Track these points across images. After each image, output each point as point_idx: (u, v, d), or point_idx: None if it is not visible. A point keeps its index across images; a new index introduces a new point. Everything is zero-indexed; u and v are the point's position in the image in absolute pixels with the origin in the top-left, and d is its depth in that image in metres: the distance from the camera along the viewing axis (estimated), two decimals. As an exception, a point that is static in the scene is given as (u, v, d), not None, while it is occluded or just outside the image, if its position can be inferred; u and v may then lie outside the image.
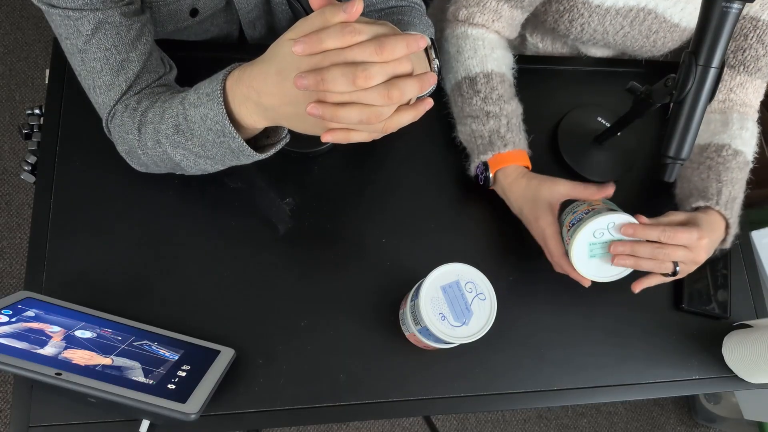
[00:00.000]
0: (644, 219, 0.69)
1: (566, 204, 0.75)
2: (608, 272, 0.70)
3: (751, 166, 0.83)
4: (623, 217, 0.68)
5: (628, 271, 0.70)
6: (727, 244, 0.77)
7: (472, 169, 0.80)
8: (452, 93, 0.83)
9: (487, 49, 0.81)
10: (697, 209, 0.77)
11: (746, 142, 0.82)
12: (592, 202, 0.72)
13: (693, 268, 0.72)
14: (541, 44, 0.96)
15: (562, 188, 0.74)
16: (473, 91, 0.79)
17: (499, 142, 0.77)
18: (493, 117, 0.78)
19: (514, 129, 0.78)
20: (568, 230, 0.70)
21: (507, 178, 0.77)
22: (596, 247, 0.70)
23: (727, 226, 0.76)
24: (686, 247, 0.68)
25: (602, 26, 0.84)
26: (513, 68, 0.84)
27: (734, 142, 0.81)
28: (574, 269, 0.70)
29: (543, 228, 0.72)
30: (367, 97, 0.47)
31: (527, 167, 0.78)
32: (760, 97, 0.87)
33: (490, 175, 0.77)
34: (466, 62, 0.81)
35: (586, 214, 0.69)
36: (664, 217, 0.72)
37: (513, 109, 0.80)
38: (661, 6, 0.82)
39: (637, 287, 0.73)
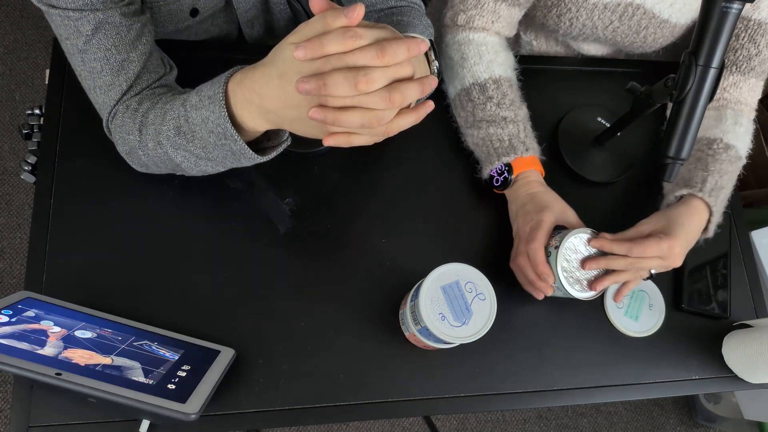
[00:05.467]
0: (608, 236, 0.70)
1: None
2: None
3: (744, 161, 0.83)
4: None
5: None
6: (709, 233, 0.77)
7: (488, 171, 0.79)
8: (459, 98, 0.82)
9: (491, 54, 0.81)
10: (681, 198, 0.78)
11: (739, 137, 0.82)
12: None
13: (667, 270, 0.73)
14: (535, 42, 0.96)
15: (571, 215, 0.75)
16: (485, 97, 0.79)
17: (521, 146, 0.77)
18: (510, 122, 0.78)
19: (530, 135, 0.79)
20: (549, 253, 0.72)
21: (525, 179, 0.77)
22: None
23: (711, 214, 0.76)
24: (659, 257, 0.69)
25: (591, 21, 0.85)
26: (516, 69, 0.85)
27: (726, 136, 0.81)
28: (545, 261, 0.70)
29: (542, 219, 0.72)
30: (369, 101, 0.47)
31: (542, 174, 0.79)
32: (757, 95, 0.87)
33: (512, 177, 0.77)
34: (473, 68, 0.81)
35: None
36: (632, 229, 0.73)
37: (525, 114, 0.81)
38: (649, 1, 0.82)
39: (618, 297, 0.74)
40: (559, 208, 0.74)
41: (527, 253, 0.72)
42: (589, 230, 0.71)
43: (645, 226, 0.73)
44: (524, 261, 0.73)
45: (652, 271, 0.72)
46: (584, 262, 0.70)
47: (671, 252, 0.69)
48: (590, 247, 0.71)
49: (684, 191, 0.77)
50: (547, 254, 0.71)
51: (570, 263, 0.70)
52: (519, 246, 0.75)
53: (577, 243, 0.71)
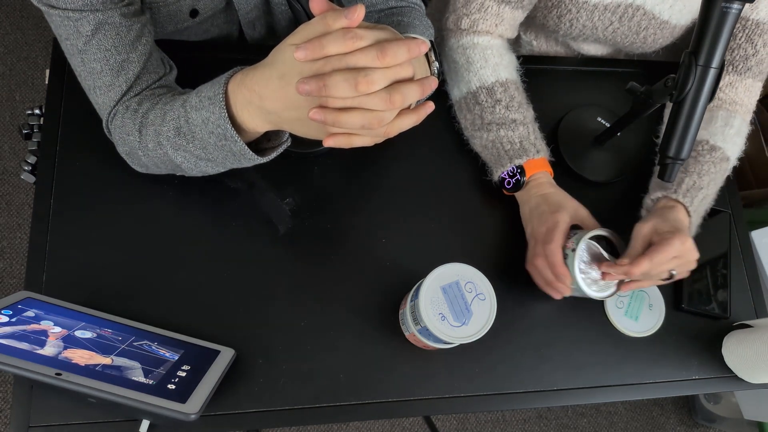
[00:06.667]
0: (625, 261, 0.68)
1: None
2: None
3: (733, 162, 0.82)
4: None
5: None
6: (690, 234, 0.76)
7: (500, 173, 0.79)
8: (465, 101, 0.82)
9: (497, 57, 0.81)
10: (657, 201, 0.77)
11: (728, 139, 0.82)
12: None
13: (691, 268, 0.72)
14: (535, 42, 0.96)
15: (584, 212, 0.75)
16: (493, 100, 0.79)
17: (532, 148, 0.77)
18: (520, 124, 0.78)
19: (539, 136, 0.80)
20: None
21: (536, 181, 0.77)
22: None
23: (688, 215, 0.75)
24: (676, 257, 0.69)
25: (591, 22, 0.85)
26: (519, 70, 0.85)
27: (714, 138, 0.81)
28: (562, 263, 0.70)
29: (557, 220, 0.72)
30: (369, 102, 0.47)
31: (551, 174, 0.79)
32: (754, 96, 0.86)
33: (525, 179, 0.77)
34: (480, 72, 0.81)
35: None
36: (636, 240, 0.71)
37: (532, 115, 0.81)
38: (649, 2, 0.82)
39: (626, 288, 0.72)
40: (572, 208, 0.74)
41: (545, 254, 0.71)
42: (604, 231, 0.72)
43: (643, 228, 0.72)
44: (542, 262, 0.72)
45: (673, 272, 0.71)
46: (604, 274, 0.70)
47: (684, 246, 0.68)
48: (604, 251, 0.72)
49: (659, 193, 0.77)
50: (564, 256, 0.71)
51: (586, 264, 0.71)
52: (536, 247, 0.74)
53: (593, 244, 0.71)
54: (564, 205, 0.74)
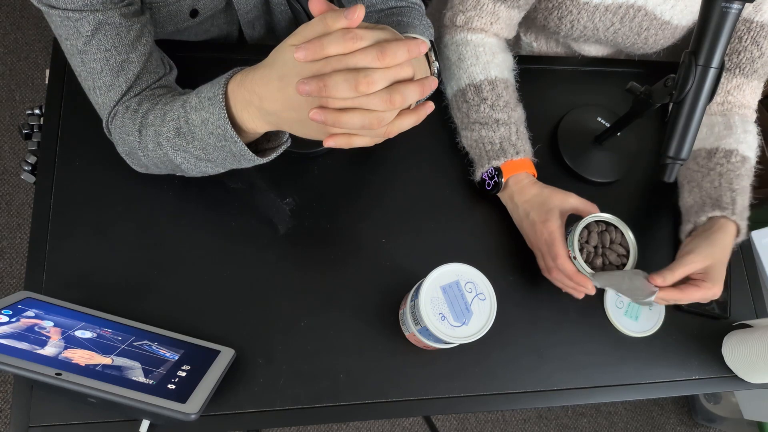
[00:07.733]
0: (658, 281, 0.69)
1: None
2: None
3: (754, 170, 0.83)
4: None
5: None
6: (733, 247, 0.78)
7: (480, 174, 0.79)
8: (455, 99, 0.82)
9: (488, 55, 0.81)
10: (711, 218, 0.77)
11: (751, 146, 0.82)
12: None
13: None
14: (535, 43, 0.96)
15: (573, 200, 0.74)
16: (479, 98, 0.79)
17: (512, 149, 0.77)
18: (503, 124, 0.78)
19: (523, 137, 0.79)
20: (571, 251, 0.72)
21: (518, 184, 0.77)
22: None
23: (738, 235, 0.77)
24: (703, 298, 0.71)
25: (592, 23, 0.84)
26: (514, 70, 0.84)
27: (741, 147, 0.81)
28: (578, 272, 0.71)
29: (551, 230, 0.72)
30: (369, 102, 0.47)
31: (534, 175, 0.79)
32: (758, 97, 0.87)
33: (503, 180, 0.77)
34: (469, 69, 0.81)
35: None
36: (685, 266, 0.71)
37: (519, 115, 0.80)
38: (650, 3, 0.82)
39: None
40: (559, 205, 0.74)
41: (558, 268, 0.72)
42: (585, 221, 0.72)
43: (693, 262, 0.71)
44: (558, 275, 0.73)
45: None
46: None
47: (713, 293, 0.71)
48: (596, 234, 0.73)
49: (717, 213, 0.77)
50: (573, 258, 0.72)
51: (588, 255, 0.72)
52: (547, 261, 0.74)
53: (582, 240, 0.72)
54: (550, 208, 0.74)
